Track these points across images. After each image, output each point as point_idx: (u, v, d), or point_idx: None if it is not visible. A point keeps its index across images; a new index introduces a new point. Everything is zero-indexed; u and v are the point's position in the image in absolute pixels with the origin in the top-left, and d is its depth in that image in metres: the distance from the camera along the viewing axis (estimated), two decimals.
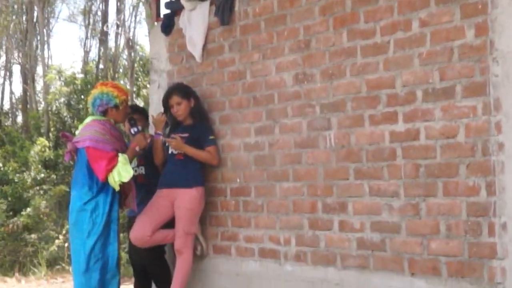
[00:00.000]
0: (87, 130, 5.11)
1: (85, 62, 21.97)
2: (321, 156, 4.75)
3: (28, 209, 11.12)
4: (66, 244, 9.84)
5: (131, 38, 21.08)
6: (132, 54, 19.87)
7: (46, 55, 22.24)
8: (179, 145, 5.31)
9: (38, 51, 22.00)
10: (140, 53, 20.31)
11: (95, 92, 5.25)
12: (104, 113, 5.19)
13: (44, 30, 22.07)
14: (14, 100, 25.74)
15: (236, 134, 5.39)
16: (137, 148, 5.17)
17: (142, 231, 5.28)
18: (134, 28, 29.98)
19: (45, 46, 22.17)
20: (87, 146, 5.00)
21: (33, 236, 10.53)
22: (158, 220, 5.35)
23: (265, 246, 5.12)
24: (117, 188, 4.99)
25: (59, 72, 18.91)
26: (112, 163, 4.92)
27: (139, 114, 5.79)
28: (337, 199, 4.64)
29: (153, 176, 5.59)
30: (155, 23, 6.34)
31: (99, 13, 22.44)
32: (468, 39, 3.96)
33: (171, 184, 5.39)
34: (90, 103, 5.23)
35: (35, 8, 21.33)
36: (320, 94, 4.77)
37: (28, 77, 21.77)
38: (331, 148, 4.68)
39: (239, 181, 5.35)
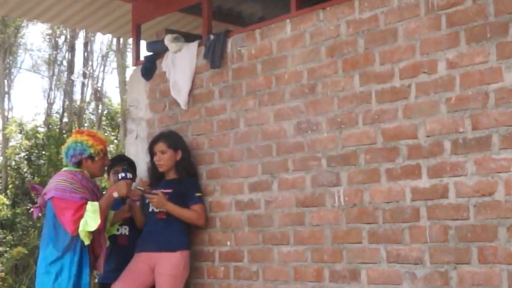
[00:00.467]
0: (54, 180, 4.47)
1: (48, 114, 21.01)
2: (328, 216, 4.15)
3: None
4: None
5: (99, 89, 20.37)
6: (100, 106, 19.16)
7: (6, 106, 21.31)
8: (161, 202, 4.66)
9: None
10: (108, 107, 19.59)
11: (69, 141, 4.62)
12: (79, 164, 4.53)
13: (5, 81, 21.24)
14: None
15: (227, 190, 4.77)
16: (115, 194, 4.49)
17: None
18: (103, 79, 29.00)
19: (6, 97, 21.28)
20: (52, 197, 4.33)
21: None
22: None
23: None
24: (86, 242, 4.30)
25: (20, 125, 18.07)
26: (79, 213, 4.26)
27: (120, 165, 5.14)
28: (347, 265, 4.02)
29: (136, 239, 4.90)
30: (134, 67, 5.74)
31: (65, 62, 21.53)
32: (506, 82, 3.45)
33: (152, 248, 4.72)
34: (64, 153, 4.60)
35: None
36: (326, 145, 4.20)
37: None
38: (340, 207, 4.09)
39: (229, 244, 4.70)
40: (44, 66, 22.64)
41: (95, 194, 4.55)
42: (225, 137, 4.83)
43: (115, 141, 21.05)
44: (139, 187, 4.79)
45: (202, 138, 5.00)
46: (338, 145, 4.14)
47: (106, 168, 4.72)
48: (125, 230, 5.06)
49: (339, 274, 4.05)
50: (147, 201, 4.83)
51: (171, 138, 4.89)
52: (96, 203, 4.34)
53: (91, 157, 4.51)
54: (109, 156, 4.78)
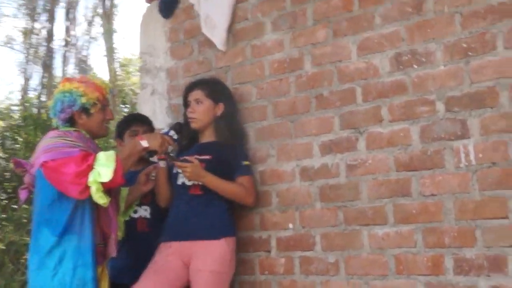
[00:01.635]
0: (41, 143, 3.16)
1: (25, 92, 18.85)
2: (451, 182, 2.92)
3: None
4: None
5: (83, 59, 18.43)
6: None
7: None
8: (196, 173, 3.38)
9: None
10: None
11: (56, 92, 3.28)
12: (71, 122, 3.24)
13: None
14: None
15: (287, 154, 3.51)
16: (143, 143, 3.15)
17: None
18: (88, 48, 26.75)
19: None
20: (42, 163, 3.03)
21: None
22: None
23: None
24: (102, 201, 2.97)
25: None
26: (85, 163, 2.94)
27: (139, 126, 3.85)
28: (484, 251, 2.80)
29: (161, 224, 3.61)
30: (148, 3, 4.43)
31: (44, 31, 19.15)
32: None
33: (184, 235, 3.43)
34: (51, 110, 3.27)
35: None
36: (444, 82, 2.97)
37: None
38: (470, 167, 2.87)
39: (292, 227, 3.44)
40: (20, 38, 20.26)
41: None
42: (282, 84, 3.57)
43: None
44: (165, 151, 3.50)
45: (248, 87, 3.73)
46: (464, 81, 2.92)
47: (111, 127, 3.37)
48: (145, 212, 3.76)
49: (471, 263, 2.83)
50: (175, 170, 3.55)
51: (212, 86, 3.62)
52: (111, 151, 3.05)
53: (85, 109, 3.19)
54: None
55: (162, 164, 3.56)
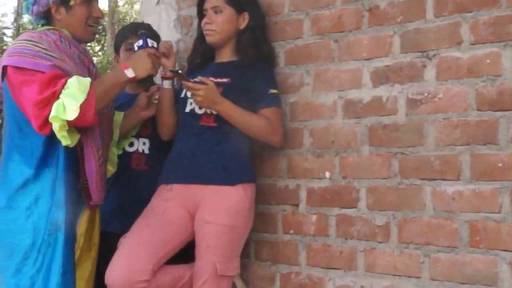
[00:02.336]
0: (12, 45, 2.43)
1: (18, 14, 17.59)
2: None
3: None
4: None
5: None
6: None
7: None
8: (210, 98, 2.61)
9: None
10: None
11: None
12: (47, 19, 2.50)
13: None
14: None
15: (326, 83, 2.72)
16: (128, 73, 2.43)
17: (133, 268, 2.50)
18: None
19: None
20: (5, 67, 2.33)
21: None
22: (164, 248, 2.61)
23: None
24: (65, 142, 2.28)
25: None
26: (50, 88, 2.24)
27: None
28: None
29: (160, 161, 2.85)
30: None
31: None
32: None
33: (191, 177, 2.68)
34: (24, 5, 2.52)
35: None
36: None
37: None
38: None
39: (329, 176, 2.68)
40: None
41: (86, 65, 2.51)
42: None
43: (99, 52, 18.35)
44: (171, 69, 2.72)
45: None
46: None
47: (95, 27, 2.58)
48: (143, 145, 3.00)
49: None
50: (183, 94, 2.78)
51: None
52: (86, 79, 2.31)
53: (63, 1, 2.43)
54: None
55: (166, 84, 2.79)
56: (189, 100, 2.74)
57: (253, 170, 2.75)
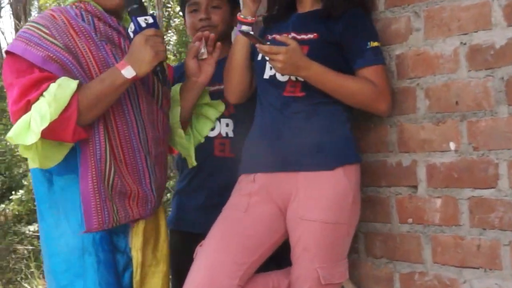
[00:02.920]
0: None
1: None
2: None
3: (20, 192, 7.34)
4: None
5: None
6: None
7: None
8: (294, 61, 2.03)
9: None
10: None
11: None
12: None
13: None
14: None
15: (444, 26, 2.07)
16: (125, 73, 1.86)
17: (215, 285, 2.02)
18: None
19: None
20: (6, 54, 1.90)
21: (30, 228, 7.07)
22: (252, 255, 2.09)
23: None
24: (34, 164, 1.95)
25: None
26: (25, 98, 1.80)
27: None
28: None
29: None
30: None
31: None
32: None
33: (278, 163, 2.13)
34: None
35: None
36: None
37: None
38: None
39: (454, 148, 2.05)
40: None
41: (116, 43, 2.01)
42: None
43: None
44: (243, 29, 2.15)
45: None
46: None
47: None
48: (226, 127, 2.51)
49: None
50: (259, 56, 2.22)
51: None
52: (70, 84, 1.82)
53: None
54: None
55: (245, 28, 2.20)
56: (268, 66, 2.18)
57: (356, 147, 2.17)
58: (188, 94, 2.20)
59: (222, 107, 2.36)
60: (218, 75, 2.29)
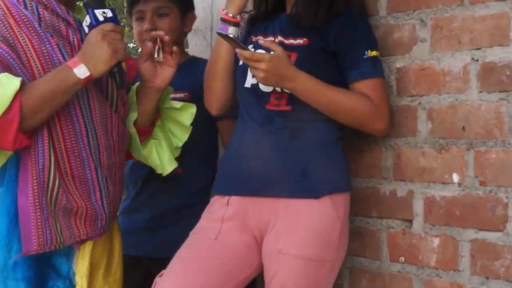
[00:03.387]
0: None
1: None
2: None
3: None
4: None
5: None
6: None
7: None
8: (278, 71, 1.76)
9: None
10: None
11: None
12: None
13: None
14: None
15: (454, 38, 1.80)
16: (77, 72, 1.61)
17: None
18: None
19: None
20: None
21: None
22: (222, 286, 1.83)
23: None
24: None
25: None
26: None
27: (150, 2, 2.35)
28: None
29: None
30: None
31: None
32: None
33: (257, 186, 1.86)
34: None
35: None
36: None
37: None
38: None
39: (458, 179, 1.78)
40: None
41: (63, 35, 1.73)
42: None
43: None
44: (219, 31, 1.86)
45: None
46: None
47: None
48: None
49: None
50: (241, 62, 1.91)
51: None
52: (12, 82, 1.57)
53: None
54: None
55: (232, 29, 1.91)
56: (249, 76, 1.91)
57: (348, 172, 1.90)
58: (145, 99, 1.91)
59: (193, 109, 2.06)
60: (176, 82, 2.00)
